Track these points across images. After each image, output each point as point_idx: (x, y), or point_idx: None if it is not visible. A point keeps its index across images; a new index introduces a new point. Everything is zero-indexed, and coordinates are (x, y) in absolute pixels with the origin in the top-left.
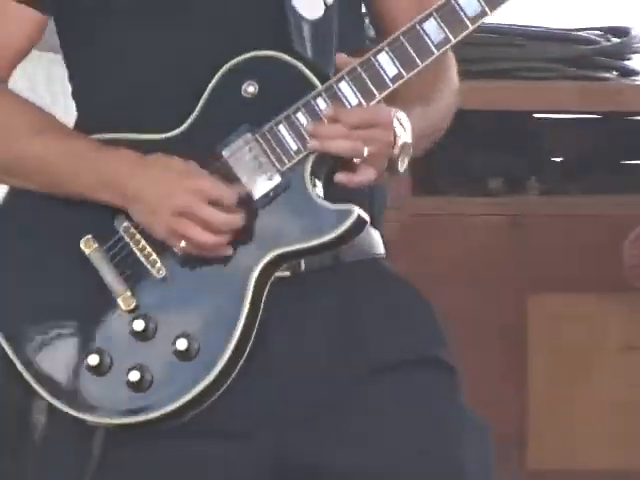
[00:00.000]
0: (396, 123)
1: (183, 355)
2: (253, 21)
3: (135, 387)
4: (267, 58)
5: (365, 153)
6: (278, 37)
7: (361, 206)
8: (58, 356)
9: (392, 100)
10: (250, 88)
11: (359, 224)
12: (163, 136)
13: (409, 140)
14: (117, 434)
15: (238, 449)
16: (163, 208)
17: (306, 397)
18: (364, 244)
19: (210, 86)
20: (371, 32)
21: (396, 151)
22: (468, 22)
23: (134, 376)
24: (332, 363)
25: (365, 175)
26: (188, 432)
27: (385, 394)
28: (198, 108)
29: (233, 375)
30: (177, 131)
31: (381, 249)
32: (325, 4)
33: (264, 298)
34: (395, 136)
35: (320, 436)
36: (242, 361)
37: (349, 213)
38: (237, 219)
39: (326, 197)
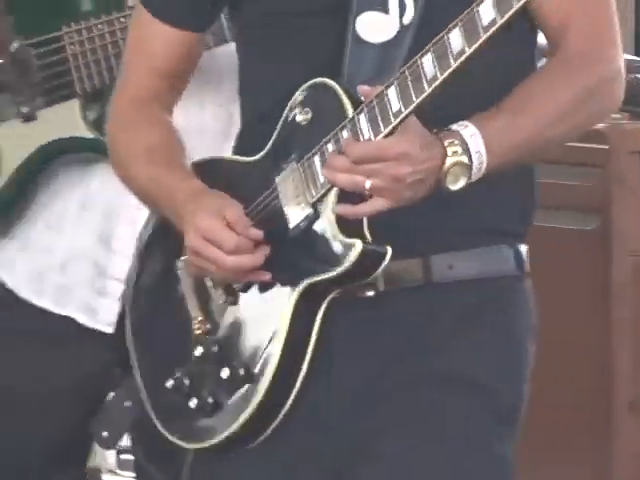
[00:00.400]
0: (447, 144)
1: (234, 382)
2: (329, 50)
3: (202, 412)
4: (317, 85)
5: (367, 186)
6: (335, 63)
7: (510, 219)
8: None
9: (464, 114)
10: (304, 116)
11: (367, 258)
12: (250, 159)
13: (463, 159)
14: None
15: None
16: (186, 245)
17: (362, 424)
18: (468, 264)
19: (284, 113)
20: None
21: (442, 172)
22: (452, 60)
23: (198, 402)
24: (388, 386)
25: (370, 207)
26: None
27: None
28: (274, 134)
29: (289, 398)
30: (258, 155)
31: (508, 267)
32: (401, 24)
33: (317, 322)
34: (426, 160)
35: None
36: (296, 386)
37: (352, 247)
38: (243, 260)
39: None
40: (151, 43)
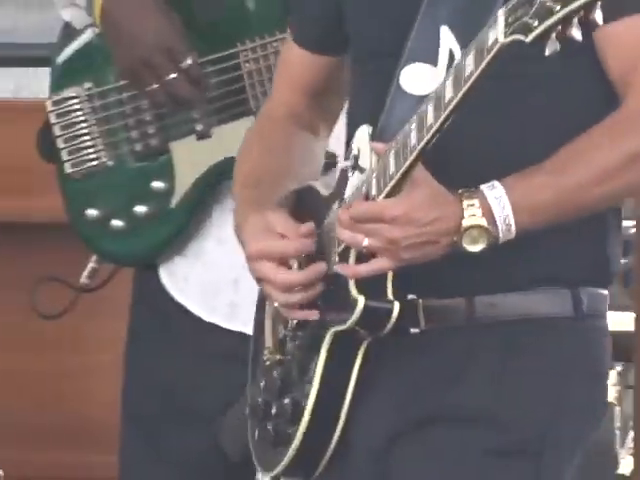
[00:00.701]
0: (465, 206)
1: (283, 418)
2: (379, 97)
3: (265, 441)
4: (357, 133)
5: (364, 243)
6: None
7: (568, 266)
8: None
9: (500, 172)
10: (347, 162)
11: (372, 314)
12: (325, 194)
13: (481, 222)
14: None
15: None
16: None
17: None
18: (511, 304)
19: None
20: None
21: (458, 234)
22: (416, 145)
23: (260, 432)
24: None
25: (368, 267)
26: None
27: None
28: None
29: (332, 439)
30: (328, 192)
31: (560, 309)
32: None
33: (356, 369)
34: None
35: None
36: (338, 428)
37: (356, 303)
38: (291, 277)
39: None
40: (291, 65)
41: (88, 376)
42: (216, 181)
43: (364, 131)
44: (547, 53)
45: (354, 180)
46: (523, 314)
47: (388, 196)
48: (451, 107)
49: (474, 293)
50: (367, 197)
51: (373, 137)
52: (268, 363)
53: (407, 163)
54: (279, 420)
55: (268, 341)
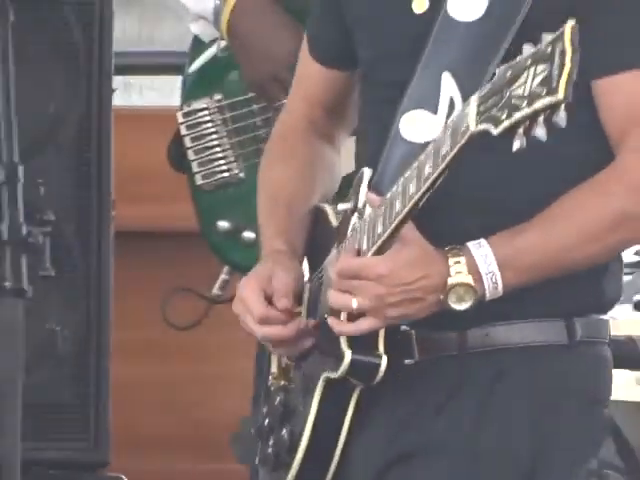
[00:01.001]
0: (451, 263)
1: (281, 448)
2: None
3: (267, 465)
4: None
5: (354, 305)
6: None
7: (560, 300)
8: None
9: (487, 229)
10: (346, 205)
11: (359, 368)
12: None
13: (466, 280)
14: None
15: None
16: None
17: None
18: (504, 334)
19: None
20: None
21: (444, 292)
22: (401, 210)
23: (261, 455)
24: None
25: (354, 327)
26: None
27: None
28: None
29: (330, 468)
30: (338, 221)
31: (553, 337)
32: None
33: (352, 405)
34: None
35: None
36: (332, 465)
37: (343, 357)
38: (270, 331)
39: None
40: (307, 79)
41: (217, 386)
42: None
43: (365, 174)
44: (514, 148)
45: (354, 223)
46: (516, 343)
47: (377, 253)
48: (429, 183)
49: (467, 326)
50: (359, 251)
51: (371, 182)
52: (272, 388)
53: (392, 226)
54: (278, 446)
55: (273, 366)
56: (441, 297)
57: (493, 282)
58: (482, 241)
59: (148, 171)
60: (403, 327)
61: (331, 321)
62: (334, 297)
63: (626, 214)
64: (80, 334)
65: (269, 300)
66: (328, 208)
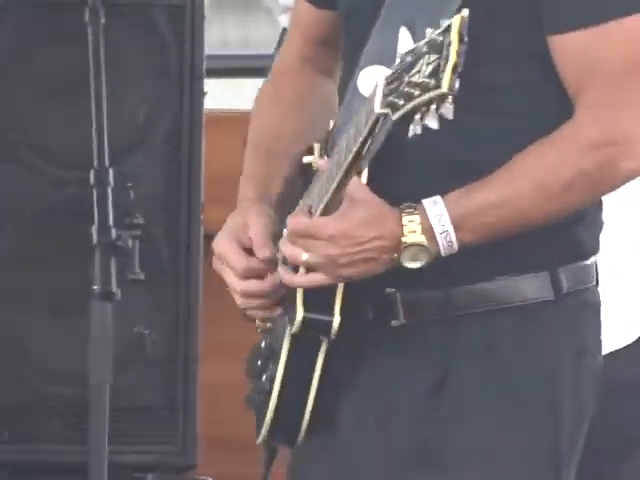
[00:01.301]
0: (405, 222)
1: (261, 393)
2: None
3: (256, 408)
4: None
5: (303, 258)
6: None
7: (538, 249)
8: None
9: (440, 189)
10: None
11: (312, 325)
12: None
13: (420, 240)
14: None
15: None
16: None
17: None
18: (491, 294)
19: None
20: None
21: (397, 251)
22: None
23: (250, 398)
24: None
25: (305, 279)
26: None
27: None
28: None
29: (303, 419)
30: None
31: (538, 293)
32: None
33: (321, 357)
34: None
35: None
36: (307, 408)
37: (296, 314)
38: (249, 285)
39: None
40: (301, 17)
41: None
42: None
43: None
44: (410, 134)
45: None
46: (502, 302)
47: (324, 213)
48: (353, 152)
49: (451, 284)
50: (310, 209)
51: (329, 134)
52: (259, 330)
53: (333, 185)
54: (259, 391)
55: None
56: (395, 256)
57: (447, 241)
58: (437, 198)
59: (238, 174)
60: (388, 289)
61: (281, 270)
62: (285, 247)
63: (582, 173)
64: (169, 337)
65: (248, 252)
66: (316, 150)
